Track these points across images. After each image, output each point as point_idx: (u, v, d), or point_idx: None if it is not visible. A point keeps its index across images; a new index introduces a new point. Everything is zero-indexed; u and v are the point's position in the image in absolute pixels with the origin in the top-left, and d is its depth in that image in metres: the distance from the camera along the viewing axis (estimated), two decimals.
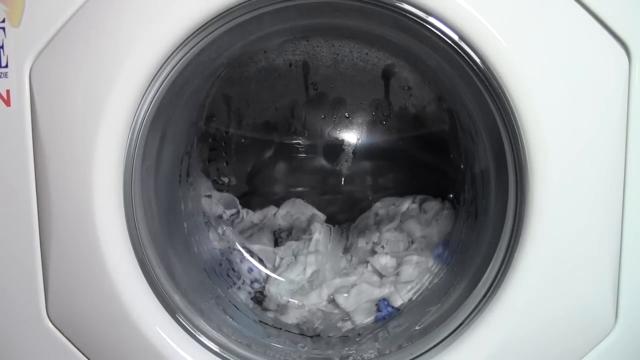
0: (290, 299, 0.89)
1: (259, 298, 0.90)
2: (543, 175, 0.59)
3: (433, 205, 0.97)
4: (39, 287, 0.68)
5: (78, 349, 0.69)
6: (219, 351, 0.69)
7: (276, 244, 1.00)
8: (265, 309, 0.88)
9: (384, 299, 0.87)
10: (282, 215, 1.03)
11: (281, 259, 0.96)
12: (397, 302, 0.85)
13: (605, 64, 0.58)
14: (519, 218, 0.62)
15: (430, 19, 0.59)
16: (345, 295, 0.87)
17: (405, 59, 0.83)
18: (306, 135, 0.96)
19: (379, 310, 0.86)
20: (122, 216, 0.65)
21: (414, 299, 0.85)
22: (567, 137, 0.59)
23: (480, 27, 0.58)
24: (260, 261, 0.95)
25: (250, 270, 0.93)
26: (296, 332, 0.83)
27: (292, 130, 0.97)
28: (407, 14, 0.60)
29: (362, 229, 0.99)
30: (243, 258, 0.94)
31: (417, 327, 0.76)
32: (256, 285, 0.92)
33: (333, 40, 0.86)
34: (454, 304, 0.72)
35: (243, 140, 1.00)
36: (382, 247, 0.93)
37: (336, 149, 0.97)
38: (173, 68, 0.64)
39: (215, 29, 0.63)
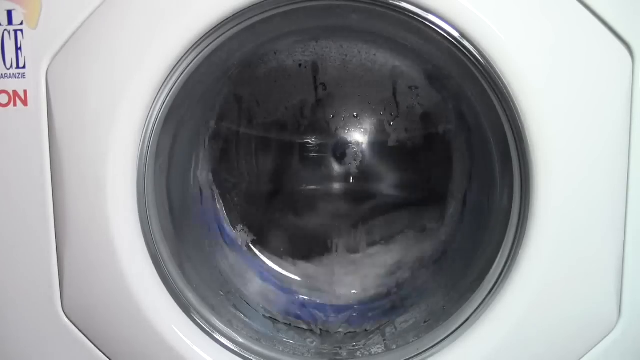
0: None
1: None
2: (547, 174, 0.60)
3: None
4: (54, 282, 0.69)
5: (92, 343, 0.70)
6: (229, 345, 0.70)
7: None
8: None
9: None
10: None
11: None
12: None
13: (608, 64, 0.59)
14: (523, 216, 0.63)
15: (430, 17, 0.60)
16: None
17: (413, 59, 0.84)
18: (315, 134, 0.97)
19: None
20: (135, 213, 0.66)
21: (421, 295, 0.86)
22: (570, 137, 0.59)
23: (484, 27, 0.59)
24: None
25: (261, 265, 0.94)
26: (305, 327, 0.84)
27: (302, 130, 0.98)
28: (407, 13, 0.61)
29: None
30: (254, 254, 0.95)
31: (423, 323, 0.77)
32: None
33: (342, 41, 0.87)
34: (460, 300, 0.72)
35: (253, 139, 1.01)
36: None
37: (345, 147, 0.98)
38: (185, 69, 0.65)
39: (227, 31, 0.65)
